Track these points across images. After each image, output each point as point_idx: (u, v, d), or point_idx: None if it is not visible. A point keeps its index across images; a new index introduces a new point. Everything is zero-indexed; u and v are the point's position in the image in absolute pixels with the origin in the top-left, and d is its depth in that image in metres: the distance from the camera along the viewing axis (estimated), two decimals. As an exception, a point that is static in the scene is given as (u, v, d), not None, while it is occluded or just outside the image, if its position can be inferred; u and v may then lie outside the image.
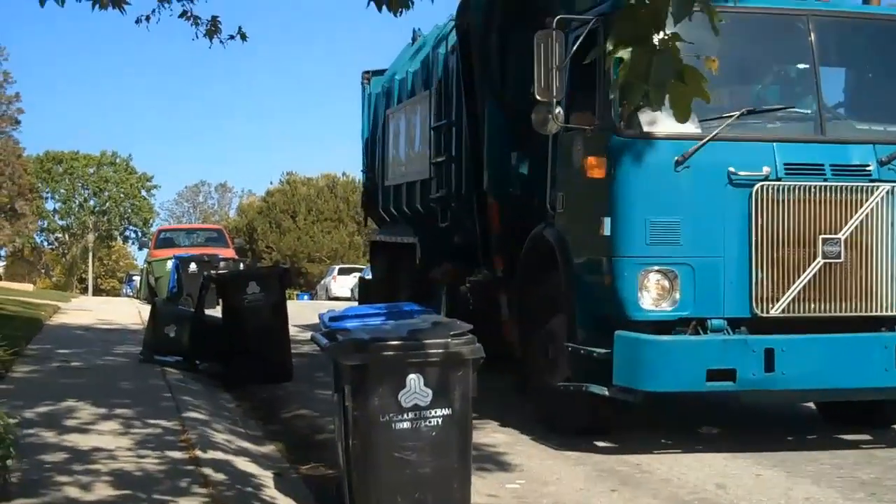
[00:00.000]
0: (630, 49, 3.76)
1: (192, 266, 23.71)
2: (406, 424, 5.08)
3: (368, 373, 5.06)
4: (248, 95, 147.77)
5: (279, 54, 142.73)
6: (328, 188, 72.86)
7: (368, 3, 8.41)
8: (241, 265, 27.00)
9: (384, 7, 8.31)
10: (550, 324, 9.14)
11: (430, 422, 5.11)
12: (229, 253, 29.46)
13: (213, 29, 10.53)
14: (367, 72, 17.27)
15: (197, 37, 10.63)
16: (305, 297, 53.28)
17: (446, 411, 5.13)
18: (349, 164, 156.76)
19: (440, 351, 5.11)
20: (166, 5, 10.12)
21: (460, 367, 5.14)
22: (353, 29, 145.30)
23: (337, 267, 54.19)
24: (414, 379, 5.08)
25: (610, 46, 3.82)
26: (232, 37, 10.77)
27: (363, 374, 5.06)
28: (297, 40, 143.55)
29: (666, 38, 3.79)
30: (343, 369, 5.12)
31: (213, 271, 18.13)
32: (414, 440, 5.09)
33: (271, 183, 79.43)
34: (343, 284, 48.54)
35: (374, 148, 16.57)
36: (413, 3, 8.27)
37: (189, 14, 10.36)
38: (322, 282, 54.18)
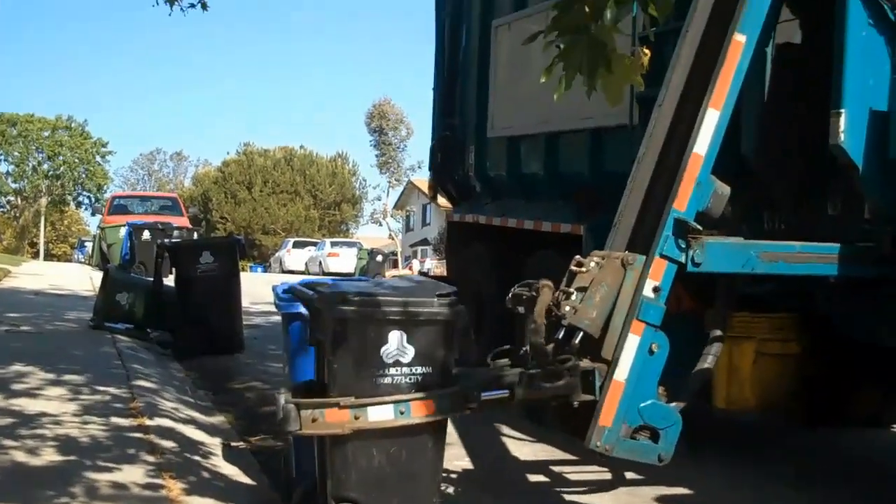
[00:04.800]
0: (566, 39, 3.84)
1: (146, 234, 23.60)
2: (387, 380, 5.13)
3: (350, 326, 5.09)
4: (206, 64, 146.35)
5: (239, 23, 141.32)
6: (285, 160, 72.51)
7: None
8: (195, 234, 26.95)
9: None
10: None
11: (410, 379, 5.16)
12: (183, 222, 29.29)
13: (175, -4, 10.49)
14: None
15: (158, 3, 10.58)
16: (259, 269, 53.20)
17: (427, 369, 5.18)
18: (307, 138, 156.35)
19: (425, 310, 5.16)
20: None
21: (443, 327, 5.19)
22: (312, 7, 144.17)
23: (291, 240, 54.13)
24: (397, 335, 5.13)
25: (552, 37, 3.87)
26: (192, 5, 10.72)
27: (345, 327, 5.09)
28: (258, 9, 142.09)
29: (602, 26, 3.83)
30: (326, 321, 5.14)
31: (166, 240, 18.09)
32: (395, 395, 5.15)
33: (228, 153, 79.10)
34: (297, 258, 48.54)
35: (463, 83, 11.30)
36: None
37: (151, -21, 10.31)
38: (276, 254, 54.12)
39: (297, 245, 51.35)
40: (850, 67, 5.92)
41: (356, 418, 5.14)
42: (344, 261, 44.32)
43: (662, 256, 5.56)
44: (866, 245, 6.14)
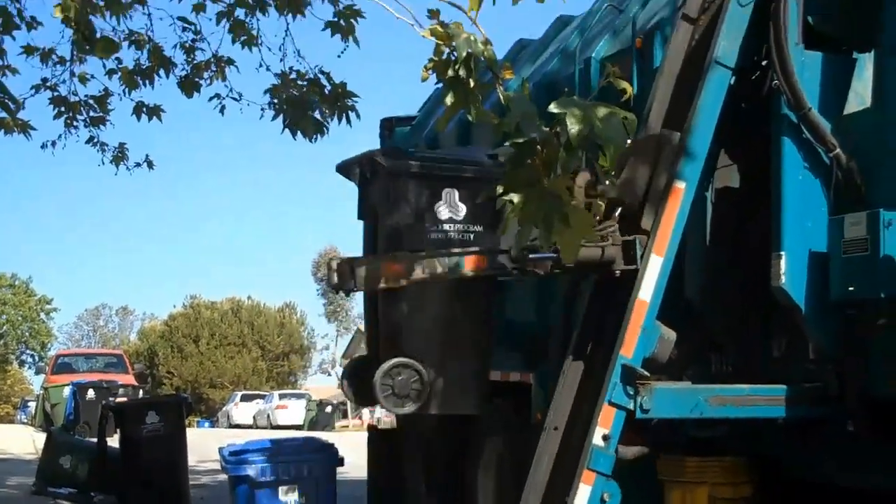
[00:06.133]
0: (520, 193, 3.87)
1: (91, 393, 23.27)
2: (439, 235, 5.11)
3: (406, 181, 5.07)
4: (151, 218, 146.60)
5: (185, 176, 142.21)
6: (232, 312, 72.09)
7: (283, 130, 8.57)
8: (141, 392, 26.61)
9: (298, 134, 8.48)
10: None
11: (462, 236, 5.16)
12: (129, 379, 28.93)
13: (119, 156, 10.52)
14: (390, 119, 11.85)
15: (103, 163, 10.61)
16: (206, 423, 52.27)
17: (478, 228, 5.18)
18: (254, 288, 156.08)
19: (477, 169, 5.16)
20: (73, 131, 10.09)
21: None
22: (255, 155, 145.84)
23: (239, 393, 53.43)
24: (449, 193, 5.13)
25: (500, 190, 3.91)
26: (139, 164, 10.76)
27: (398, 179, 5.06)
28: (202, 163, 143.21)
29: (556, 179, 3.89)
30: (381, 179, 5.14)
31: (111, 399, 17.86)
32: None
33: (174, 306, 78.40)
34: (245, 411, 47.85)
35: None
36: (328, 129, 8.44)
37: (96, 140, 10.35)
38: (224, 408, 53.33)
39: (244, 398, 50.68)
40: (788, 210, 6.04)
41: (411, 271, 5.08)
42: (293, 413, 43.79)
43: (611, 404, 5.58)
44: (812, 385, 6.17)
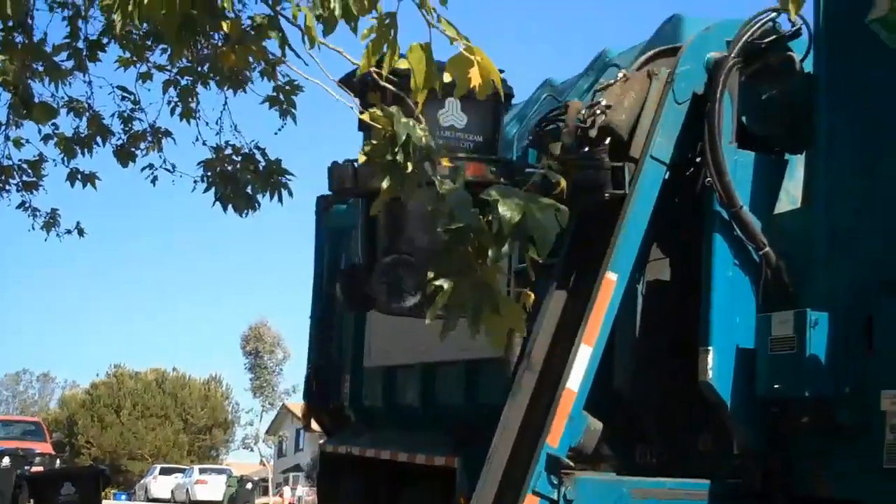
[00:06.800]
0: (451, 280, 3.85)
1: (6, 460, 22.69)
2: (441, 142, 5.28)
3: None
4: (76, 283, 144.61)
5: (115, 243, 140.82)
6: (157, 383, 71.05)
7: (214, 204, 8.53)
8: (58, 461, 26.03)
9: (230, 208, 8.46)
10: None
11: (463, 144, 5.36)
12: (46, 448, 28.28)
13: (51, 222, 10.38)
14: (326, 197, 10.81)
15: (34, 228, 10.45)
16: (123, 496, 51.11)
17: (478, 138, 5.36)
18: (180, 360, 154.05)
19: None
20: (4, 195, 9.95)
21: (493, 101, 5.43)
22: (187, 226, 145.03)
23: (158, 466, 52.52)
24: (451, 102, 5.32)
25: (431, 275, 3.89)
26: (69, 231, 10.60)
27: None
28: (131, 231, 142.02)
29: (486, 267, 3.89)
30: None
31: (27, 468, 17.47)
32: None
33: (97, 375, 77.06)
34: (164, 485, 47.01)
35: (341, 311, 10.84)
36: (260, 205, 8.40)
37: (28, 205, 10.21)
38: (142, 481, 52.33)
39: (163, 471, 49.76)
40: (717, 305, 6.11)
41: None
42: (212, 488, 43.03)
43: (535, 493, 5.59)
44: (736, 481, 6.19)
